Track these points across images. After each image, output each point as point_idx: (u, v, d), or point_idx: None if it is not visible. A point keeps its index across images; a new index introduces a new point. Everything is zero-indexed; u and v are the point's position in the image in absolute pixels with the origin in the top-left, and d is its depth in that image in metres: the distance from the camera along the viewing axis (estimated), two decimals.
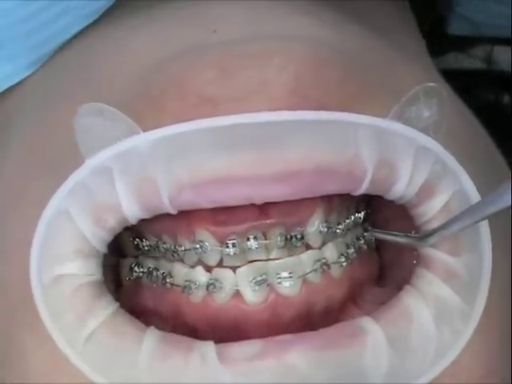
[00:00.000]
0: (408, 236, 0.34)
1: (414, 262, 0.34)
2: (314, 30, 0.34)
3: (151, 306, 0.35)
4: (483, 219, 0.31)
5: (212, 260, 0.34)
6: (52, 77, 0.37)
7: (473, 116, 0.40)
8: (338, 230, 0.36)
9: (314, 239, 0.35)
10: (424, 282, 0.33)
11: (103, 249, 0.33)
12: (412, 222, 0.34)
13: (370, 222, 0.38)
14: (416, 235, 0.34)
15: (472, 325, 0.33)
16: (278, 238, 0.34)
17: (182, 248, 0.35)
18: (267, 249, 0.34)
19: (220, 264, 0.34)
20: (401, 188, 0.32)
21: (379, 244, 0.38)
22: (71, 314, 0.32)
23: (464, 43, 0.50)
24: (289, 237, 0.34)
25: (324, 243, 0.35)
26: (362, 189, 0.32)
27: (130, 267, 0.36)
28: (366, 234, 0.37)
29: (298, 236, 0.35)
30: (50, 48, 0.36)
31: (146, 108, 0.32)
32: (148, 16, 0.36)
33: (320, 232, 0.35)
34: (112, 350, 0.32)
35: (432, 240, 0.33)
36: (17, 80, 0.37)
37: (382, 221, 0.38)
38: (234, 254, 0.34)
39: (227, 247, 0.34)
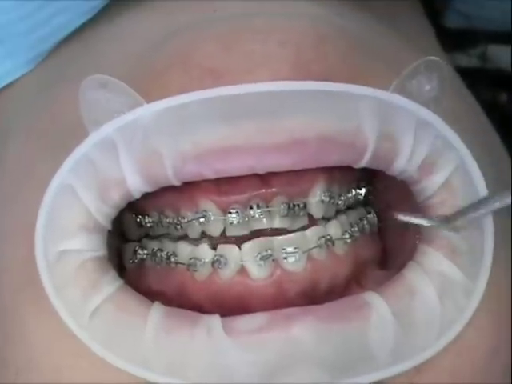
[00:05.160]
0: (432, 219, 0.33)
1: (417, 241, 0.34)
2: (316, 9, 0.35)
3: (155, 287, 0.35)
4: None
5: (215, 230, 0.35)
6: (54, 68, 0.37)
7: (473, 98, 0.40)
8: (339, 202, 0.36)
9: (316, 209, 0.35)
10: (427, 258, 0.33)
11: (107, 224, 0.33)
12: (414, 205, 0.34)
13: (372, 205, 0.38)
14: (440, 217, 0.33)
15: (475, 300, 0.33)
16: (281, 207, 0.34)
17: (185, 220, 0.35)
18: (270, 217, 0.35)
19: (223, 235, 0.35)
20: (402, 162, 0.33)
21: (382, 229, 0.38)
22: (76, 290, 0.32)
23: (464, 44, 0.51)
24: (291, 205, 0.35)
25: (326, 217, 0.36)
26: (364, 161, 0.32)
27: (134, 250, 0.36)
28: (368, 215, 0.37)
29: (301, 205, 0.35)
30: (50, 44, 0.37)
31: (150, 82, 0.32)
32: (149, 3, 0.36)
33: (322, 202, 0.35)
34: (117, 325, 0.32)
35: (458, 223, 0.32)
36: (17, 76, 0.38)
37: (384, 205, 0.38)
38: (238, 222, 0.34)
39: (230, 216, 0.34)
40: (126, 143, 0.31)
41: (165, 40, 0.33)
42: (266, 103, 0.31)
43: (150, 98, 0.31)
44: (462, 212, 0.32)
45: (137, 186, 0.32)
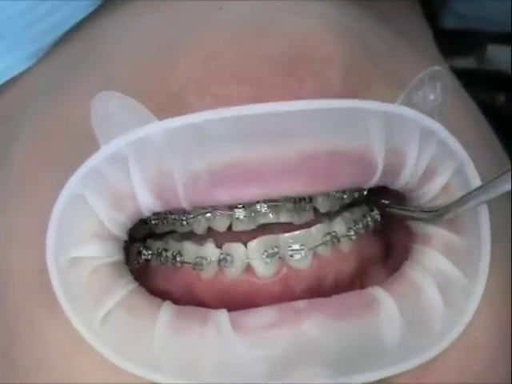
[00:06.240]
0: (424, 211, 0.34)
1: (413, 241, 0.34)
2: (323, 9, 0.34)
3: (161, 287, 0.35)
4: (502, 193, 0.31)
5: (222, 225, 0.35)
6: (58, 65, 0.37)
7: (473, 103, 0.40)
8: (344, 196, 0.36)
9: (322, 203, 0.35)
10: (425, 257, 0.33)
11: (122, 234, 0.32)
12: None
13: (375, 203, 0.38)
14: (432, 210, 0.33)
15: (476, 298, 0.33)
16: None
17: (191, 216, 0.35)
18: (276, 212, 0.35)
19: (230, 229, 0.35)
20: (407, 174, 0.33)
21: (384, 229, 0.38)
22: (88, 296, 0.32)
23: (462, 45, 0.51)
24: (297, 199, 0.35)
25: (332, 212, 0.36)
26: (375, 179, 0.32)
27: (138, 251, 0.36)
28: (371, 213, 0.37)
29: (307, 199, 0.35)
30: (51, 39, 0.36)
31: (163, 100, 0.32)
32: (151, 1, 0.36)
33: (328, 195, 0.35)
34: (128, 328, 0.32)
35: (448, 215, 0.33)
36: (17, 72, 0.37)
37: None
38: (244, 217, 0.34)
39: (237, 211, 0.34)
40: (137, 159, 0.31)
41: (172, 42, 0.33)
42: (275, 124, 0.31)
43: (162, 116, 0.31)
44: (453, 204, 0.33)
45: (147, 202, 0.32)
